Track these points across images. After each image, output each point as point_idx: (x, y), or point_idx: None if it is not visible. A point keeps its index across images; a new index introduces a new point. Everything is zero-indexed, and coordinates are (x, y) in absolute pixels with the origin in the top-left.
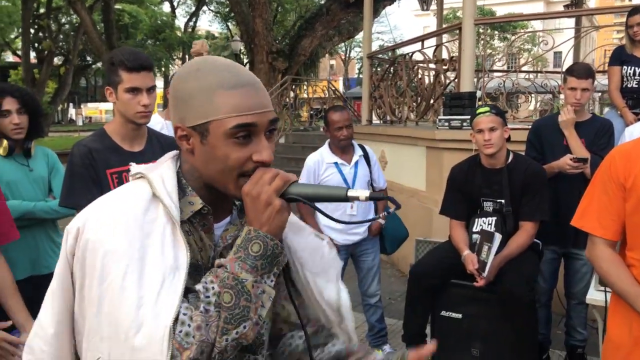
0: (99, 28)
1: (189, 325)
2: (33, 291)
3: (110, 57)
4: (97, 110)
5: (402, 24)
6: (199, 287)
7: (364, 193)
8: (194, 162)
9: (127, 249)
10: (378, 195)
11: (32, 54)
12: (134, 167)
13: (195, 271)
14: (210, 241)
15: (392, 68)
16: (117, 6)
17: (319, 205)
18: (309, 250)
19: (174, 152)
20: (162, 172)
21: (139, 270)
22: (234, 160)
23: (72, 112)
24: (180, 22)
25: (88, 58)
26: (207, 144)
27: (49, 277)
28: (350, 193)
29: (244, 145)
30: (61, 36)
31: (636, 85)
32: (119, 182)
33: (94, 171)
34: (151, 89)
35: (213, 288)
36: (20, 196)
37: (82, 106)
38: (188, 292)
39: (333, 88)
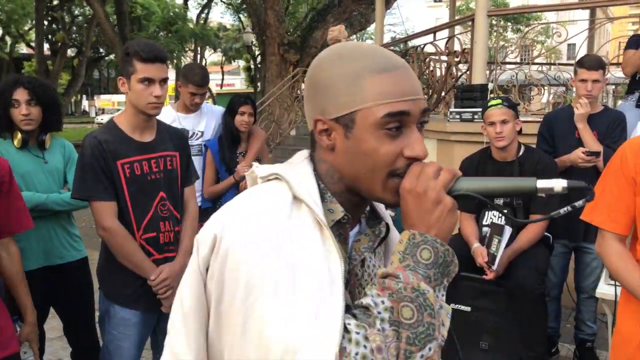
0: (112, 20)
1: (365, 347)
2: (45, 283)
3: (125, 48)
4: (110, 102)
5: (414, 15)
6: (367, 301)
7: (560, 183)
8: (334, 161)
9: (275, 259)
10: (578, 185)
11: (46, 46)
12: (261, 168)
13: None
14: (345, 252)
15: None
16: None
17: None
18: (393, 242)
19: (306, 152)
20: (301, 173)
21: (291, 283)
22: (384, 155)
23: (85, 103)
24: (193, 14)
25: (101, 50)
26: (353, 138)
27: (61, 269)
28: (541, 184)
29: (395, 137)
30: (74, 28)
31: None
32: (130, 173)
33: (105, 162)
34: (164, 81)
35: (383, 302)
36: (34, 188)
37: (95, 98)
38: (349, 308)
39: None
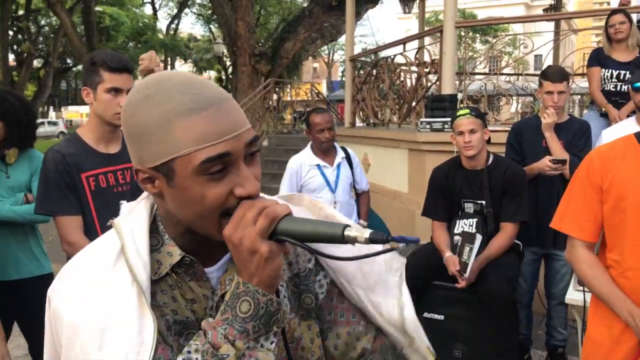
0: (79, 30)
1: None
2: (2, 297)
3: (91, 57)
4: (78, 113)
5: (384, 27)
6: (179, 358)
7: (364, 233)
8: (166, 207)
9: (88, 321)
10: (380, 238)
11: (11, 57)
12: (123, 207)
13: (187, 329)
14: (206, 289)
15: (374, 71)
16: (98, 8)
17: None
18: (356, 262)
19: (143, 197)
20: (134, 219)
21: (100, 346)
22: (212, 200)
23: (52, 115)
24: (162, 24)
25: (68, 60)
26: (176, 186)
27: (18, 284)
28: (348, 232)
29: (221, 179)
30: (41, 38)
31: (613, 88)
32: (95, 185)
33: (69, 176)
34: (130, 91)
35: (197, 359)
36: None
37: (62, 109)
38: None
39: (316, 91)
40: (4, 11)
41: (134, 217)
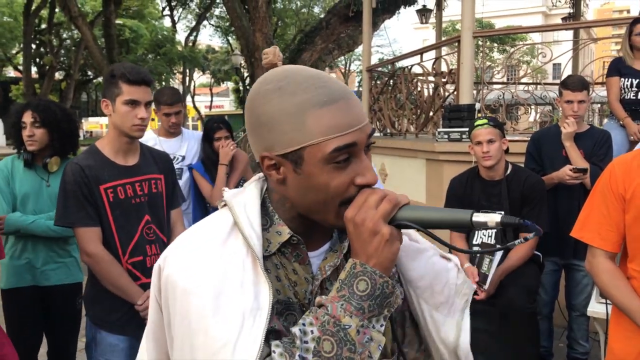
0: (100, 43)
1: None
2: (34, 302)
3: (111, 70)
4: (98, 124)
5: (401, 37)
6: (295, 329)
7: (494, 217)
8: (285, 193)
9: (204, 287)
10: (512, 221)
11: (34, 69)
12: (226, 192)
13: (288, 309)
14: (307, 273)
15: (391, 81)
16: (118, 21)
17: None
18: (430, 278)
19: (259, 175)
20: (246, 198)
21: (215, 310)
22: (336, 188)
23: None
24: (181, 36)
25: (89, 73)
26: (302, 173)
27: (48, 291)
28: (477, 218)
29: (344, 168)
30: (62, 51)
31: (633, 97)
32: (114, 197)
33: (87, 189)
34: (148, 104)
35: (312, 332)
36: (31, 209)
37: (83, 120)
38: (280, 335)
39: None
40: (27, 25)
41: (245, 195)
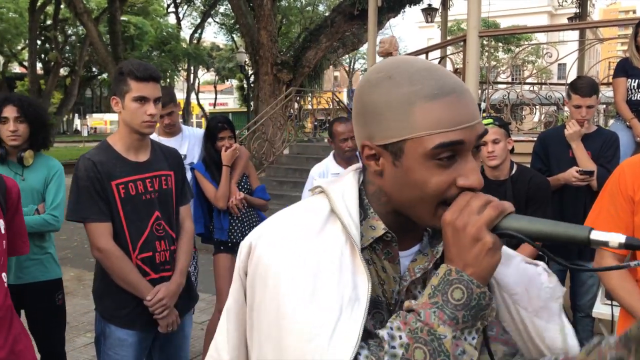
0: (105, 39)
1: None
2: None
3: (119, 67)
4: (102, 121)
5: (406, 35)
6: (382, 333)
7: (617, 238)
8: (382, 185)
9: (300, 271)
10: (637, 243)
11: (39, 65)
12: (318, 181)
13: (375, 308)
14: (395, 273)
15: None
16: (123, 18)
17: None
18: (524, 283)
19: (356, 166)
20: (344, 186)
21: (312, 296)
22: (434, 186)
23: (77, 122)
24: (186, 33)
25: (94, 69)
26: (401, 166)
27: (23, 288)
28: (595, 236)
29: (447, 167)
30: (67, 47)
31: None
32: (125, 193)
33: (100, 184)
34: (157, 100)
35: (400, 337)
36: None
37: (87, 117)
38: (369, 334)
39: (337, 99)
40: (33, 21)
41: (343, 184)
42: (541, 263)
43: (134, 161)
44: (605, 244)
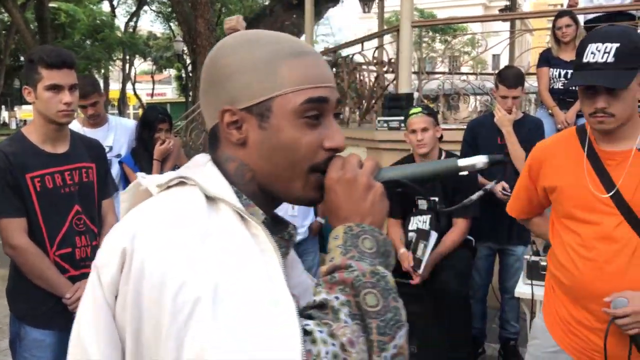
0: (33, 27)
1: (334, 344)
2: None
3: (29, 55)
4: (32, 112)
5: (347, 26)
6: (319, 298)
7: (481, 159)
8: (245, 158)
9: (207, 264)
10: (499, 158)
11: None
12: (153, 177)
13: None
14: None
15: (333, 69)
16: (53, 4)
17: None
18: (301, 290)
19: (205, 157)
20: (209, 174)
21: (230, 291)
22: (306, 146)
23: (4, 114)
24: (121, 21)
25: (21, 58)
26: (269, 128)
27: None
28: (462, 163)
29: (315, 127)
30: None
31: (561, 87)
32: (41, 187)
33: (12, 177)
34: (73, 87)
35: (337, 298)
36: None
37: (15, 109)
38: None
39: None
40: None
41: (206, 172)
42: (315, 280)
43: (51, 152)
44: (473, 166)
